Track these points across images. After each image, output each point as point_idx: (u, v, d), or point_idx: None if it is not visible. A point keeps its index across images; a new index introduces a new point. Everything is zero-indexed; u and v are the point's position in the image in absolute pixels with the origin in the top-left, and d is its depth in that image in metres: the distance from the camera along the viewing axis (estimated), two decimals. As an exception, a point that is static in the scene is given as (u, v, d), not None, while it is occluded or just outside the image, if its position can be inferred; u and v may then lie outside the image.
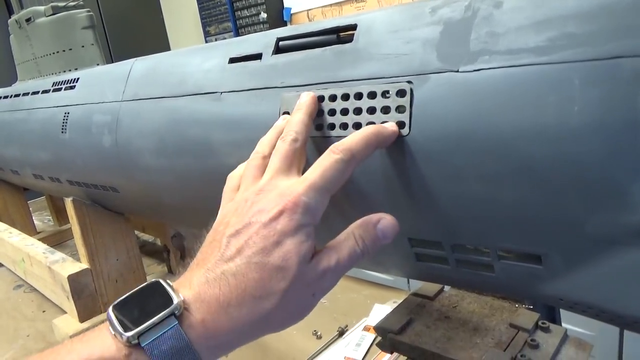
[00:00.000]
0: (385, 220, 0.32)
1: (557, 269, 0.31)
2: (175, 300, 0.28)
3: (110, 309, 0.29)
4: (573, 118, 0.27)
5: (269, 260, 0.29)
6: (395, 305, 0.49)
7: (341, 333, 0.75)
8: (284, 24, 2.59)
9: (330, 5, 2.43)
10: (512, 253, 0.34)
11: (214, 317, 0.28)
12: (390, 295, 0.84)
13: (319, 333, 0.75)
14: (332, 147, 0.32)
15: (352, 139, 0.32)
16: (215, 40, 2.82)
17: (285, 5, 2.58)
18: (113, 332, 0.27)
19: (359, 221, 0.32)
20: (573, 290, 0.31)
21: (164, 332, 0.27)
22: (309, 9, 2.51)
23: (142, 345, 0.27)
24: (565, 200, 0.28)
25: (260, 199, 0.31)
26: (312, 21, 2.52)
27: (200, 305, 0.28)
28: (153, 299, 0.29)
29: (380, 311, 0.78)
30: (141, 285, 0.31)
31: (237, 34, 2.69)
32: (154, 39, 3.00)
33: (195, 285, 0.29)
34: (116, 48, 2.72)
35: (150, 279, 1.05)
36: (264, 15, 2.55)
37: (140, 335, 0.27)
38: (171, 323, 0.27)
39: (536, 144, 0.28)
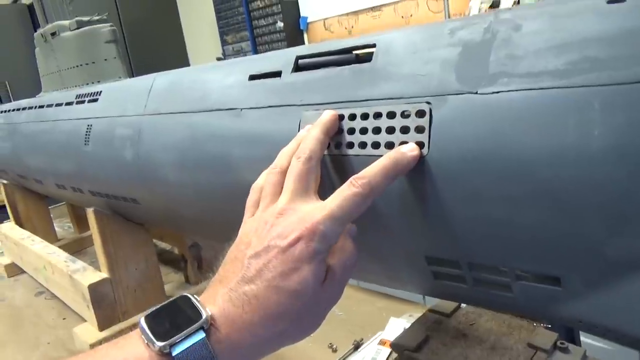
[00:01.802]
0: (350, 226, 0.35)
1: (577, 291, 0.31)
2: (204, 315, 0.30)
3: (142, 319, 0.31)
4: (593, 142, 0.27)
5: (288, 285, 0.31)
6: (411, 319, 0.49)
7: (357, 346, 0.75)
8: (301, 32, 2.62)
9: (347, 14, 2.44)
10: (530, 274, 0.34)
11: (237, 333, 0.31)
12: (405, 309, 0.84)
13: (334, 346, 0.75)
14: (352, 179, 0.33)
15: (372, 171, 0.33)
16: (232, 48, 2.86)
17: (302, 14, 2.61)
18: (146, 341, 0.30)
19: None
20: (592, 312, 0.31)
21: (193, 344, 0.29)
22: (325, 18, 2.53)
23: (173, 354, 0.29)
24: (585, 223, 0.28)
25: (279, 222, 0.33)
26: (328, 30, 2.53)
27: (225, 321, 0.31)
28: (183, 312, 0.31)
29: (396, 325, 0.78)
30: (171, 299, 0.33)
31: (254, 43, 2.72)
32: (172, 48, 3.06)
33: (219, 302, 0.31)
34: (135, 54, 2.77)
35: (168, 287, 1.05)
36: (280, 24, 2.58)
37: (171, 345, 0.29)
38: (200, 336, 0.30)
39: (556, 167, 0.28)
